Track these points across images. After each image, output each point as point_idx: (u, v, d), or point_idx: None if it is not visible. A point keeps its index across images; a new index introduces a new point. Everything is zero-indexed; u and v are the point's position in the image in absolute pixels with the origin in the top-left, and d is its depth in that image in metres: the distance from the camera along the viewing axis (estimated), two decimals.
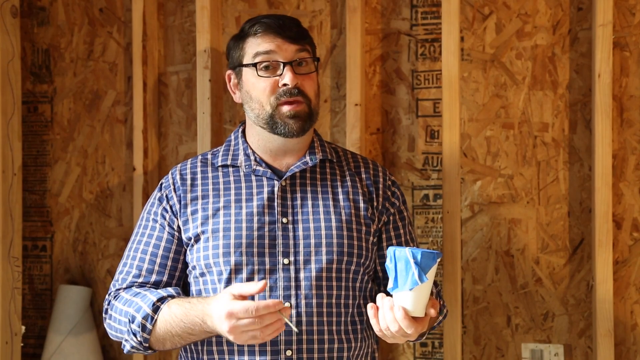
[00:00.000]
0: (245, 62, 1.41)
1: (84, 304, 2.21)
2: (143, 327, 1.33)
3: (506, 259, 2.03)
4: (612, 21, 1.89)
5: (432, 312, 1.22)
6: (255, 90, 1.39)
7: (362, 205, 1.45)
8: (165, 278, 1.43)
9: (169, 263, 1.43)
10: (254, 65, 1.38)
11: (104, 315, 1.47)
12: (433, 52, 2.08)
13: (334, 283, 1.39)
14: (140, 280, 1.42)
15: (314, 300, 1.36)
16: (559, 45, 2.00)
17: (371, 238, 1.46)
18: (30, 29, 2.36)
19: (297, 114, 1.39)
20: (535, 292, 2.01)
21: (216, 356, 1.38)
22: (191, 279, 1.44)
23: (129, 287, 1.43)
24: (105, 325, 1.47)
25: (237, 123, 2.19)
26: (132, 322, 1.34)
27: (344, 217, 1.42)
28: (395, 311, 1.20)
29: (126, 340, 1.38)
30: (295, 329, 1.29)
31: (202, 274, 1.39)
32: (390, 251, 1.23)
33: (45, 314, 2.33)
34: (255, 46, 1.39)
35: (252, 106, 1.41)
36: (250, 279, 1.36)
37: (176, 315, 1.31)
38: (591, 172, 1.94)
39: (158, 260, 1.43)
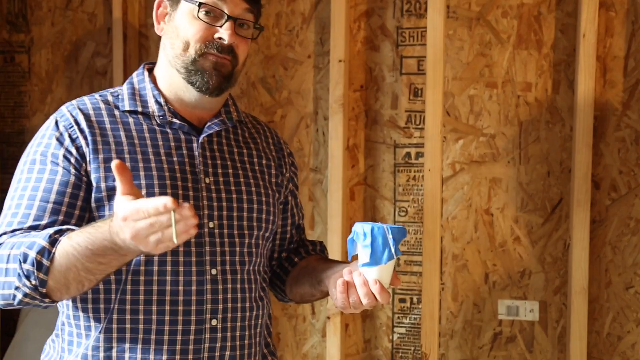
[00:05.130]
0: None
1: None
2: (38, 265, 1.09)
3: (486, 217, 2.05)
4: None
5: (398, 282, 1.24)
6: (187, 30, 1.26)
7: (273, 171, 1.41)
8: (62, 217, 1.20)
9: (78, 203, 1.21)
10: (199, 4, 1.25)
11: None
12: (418, 9, 2.06)
13: (253, 249, 1.34)
14: (31, 223, 1.19)
15: (238, 267, 1.30)
16: (545, 4, 1.99)
17: (279, 206, 1.43)
18: None
19: (220, 67, 1.27)
20: (513, 250, 2.04)
21: (141, 326, 1.23)
22: None
23: (14, 231, 1.19)
24: None
25: None
26: (24, 261, 1.10)
27: (260, 182, 1.36)
28: (371, 285, 1.20)
29: (17, 288, 1.11)
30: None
31: None
32: (365, 228, 1.21)
33: None
34: None
35: (175, 44, 1.28)
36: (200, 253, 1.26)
37: (79, 244, 1.08)
38: (572, 133, 1.96)
39: (66, 200, 1.20)
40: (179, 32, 1.27)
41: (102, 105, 1.29)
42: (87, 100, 1.29)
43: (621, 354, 1.97)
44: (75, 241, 1.09)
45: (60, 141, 1.23)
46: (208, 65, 1.25)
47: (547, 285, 2.03)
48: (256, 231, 1.34)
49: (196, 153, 1.29)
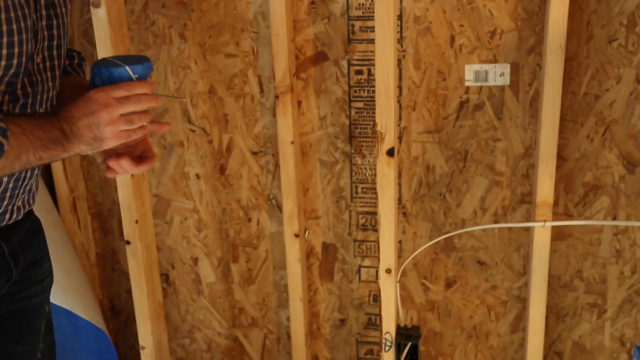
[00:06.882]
0: None
1: None
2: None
3: None
4: None
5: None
6: None
7: None
8: None
9: None
10: None
11: None
12: None
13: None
14: None
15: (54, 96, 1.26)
16: None
17: None
18: None
19: None
20: (483, 7, 1.76)
21: None
22: None
23: None
24: None
25: None
26: None
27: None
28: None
29: None
30: (182, 99, 1.14)
31: None
32: (102, 70, 1.13)
33: None
34: None
35: None
36: (34, 93, 1.18)
37: (32, 132, 1.07)
38: None
39: None
40: None
41: None
42: None
43: (598, 114, 1.81)
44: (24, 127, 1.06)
45: None
46: None
47: (520, 45, 1.78)
48: (62, 60, 1.25)
49: None
